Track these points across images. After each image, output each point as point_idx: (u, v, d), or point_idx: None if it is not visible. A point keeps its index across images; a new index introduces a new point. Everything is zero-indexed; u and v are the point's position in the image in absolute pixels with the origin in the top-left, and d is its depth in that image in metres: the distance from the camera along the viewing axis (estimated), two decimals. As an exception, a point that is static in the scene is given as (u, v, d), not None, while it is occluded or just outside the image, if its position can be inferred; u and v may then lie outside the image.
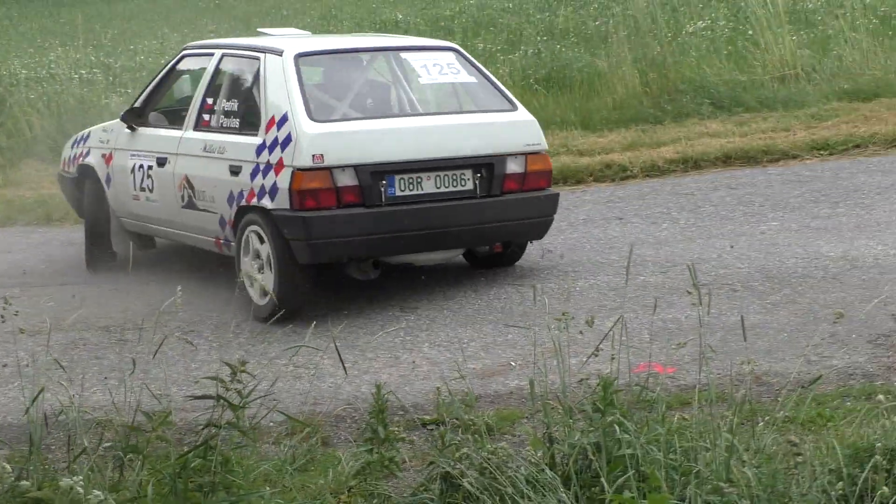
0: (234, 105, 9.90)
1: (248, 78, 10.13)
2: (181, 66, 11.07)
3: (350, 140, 9.21)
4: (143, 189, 10.49)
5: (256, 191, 9.20)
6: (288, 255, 9.07)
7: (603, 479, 4.96)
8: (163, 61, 22.19)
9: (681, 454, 5.14)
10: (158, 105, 11.08)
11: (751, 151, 13.39)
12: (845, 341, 7.60)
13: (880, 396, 5.15)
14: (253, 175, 9.24)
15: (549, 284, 9.60)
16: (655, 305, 6.65)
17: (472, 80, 10.11)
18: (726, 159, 13.39)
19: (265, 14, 30.71)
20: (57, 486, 4.88)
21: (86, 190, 11.32)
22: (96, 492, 4.83)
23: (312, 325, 6.40)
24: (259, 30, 11.49)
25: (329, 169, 9.01)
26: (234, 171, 9.44)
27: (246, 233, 9.37)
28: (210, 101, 10.07)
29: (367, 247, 9.28)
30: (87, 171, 11.33)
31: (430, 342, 8.91)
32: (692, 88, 15.76)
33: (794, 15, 17.42)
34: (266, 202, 9.12)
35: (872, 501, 4.38)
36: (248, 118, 9.69)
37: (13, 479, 4.98)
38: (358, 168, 9.08)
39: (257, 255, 9.33)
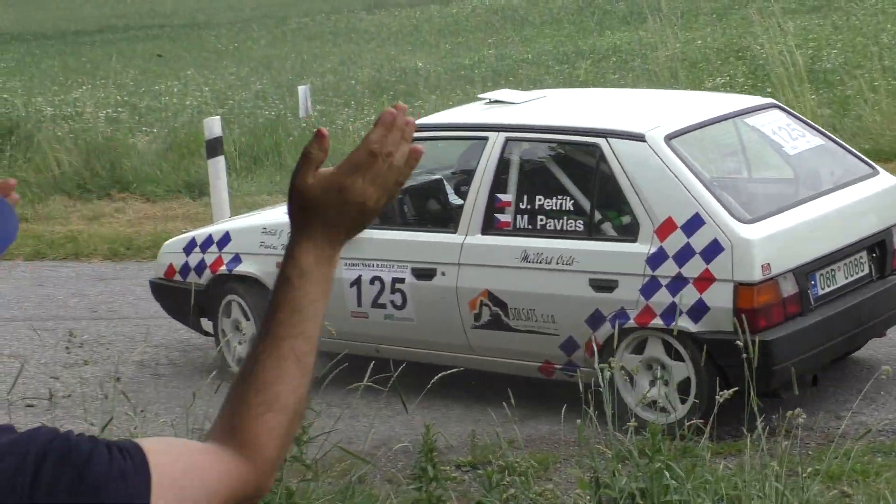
0: (562, 202, 7.99)
1: (582, 168, 8.42)
2: None
3: (790, 240, 7.71)
4: (379, 306, 8.43)
5: (658, 310, 7.58)
6: (711, 382, 7.26)
7: (652, 523, 5.05)
8: (188, 102, 22.59)
9: (728, 499, 5.24)
10: None
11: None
12: (874, 398, 7.68)
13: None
14: (647, 291, 7.63)
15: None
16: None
17: (821, 142, 8.71)
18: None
19: (284, 58, 30.80)
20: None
21: (247, 304, 8.95)
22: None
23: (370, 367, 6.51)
24: (481, 96, 9.42)
25: (775, 279, 7.45)
26: (602, 285, 7.73)
27: (644, 354, 7.78)
28: (505, 197, 8.12)
29: (814, 360, 7.77)
30: (236, 282, 9.05)
31: (463, 379, 9.01)
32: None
33: (813, 74, 17.50)
34: (685, 323, 7.48)
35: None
36: (609, 220, 8.03)
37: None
38: (796, 272, 7.59)
39: (651, 367, 7.73)
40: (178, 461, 2.08)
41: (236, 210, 14.53)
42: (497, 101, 8.89)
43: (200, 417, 5.85)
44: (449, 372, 6.69)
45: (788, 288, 7.44)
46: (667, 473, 5.24)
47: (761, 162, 8.28)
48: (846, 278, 7.86)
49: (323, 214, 2.20)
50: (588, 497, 5.39)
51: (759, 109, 8.57)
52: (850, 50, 20.43)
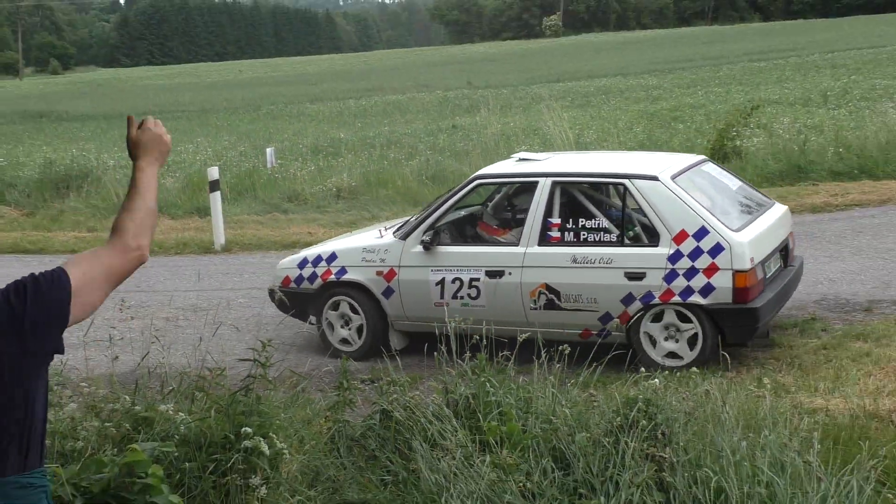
0: (598, 222, 7.51)
1: (612, 199, 8.16)
2: (476, 192, 8.38)
3: (758, 242, 7.28)
4: (458, 297, 7.75)
5: (677, 291, 7.16)
6: (714, 336, 7.16)
7: (479, 414, 5.00)
8: (198, 157, 22.29)
9: (524, 400, 5.20)
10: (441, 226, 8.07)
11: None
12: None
13: (642, 369, 5.26)
14: (669, 278, 7.17)
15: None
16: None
17: (740, 182, 8.40)
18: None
19: (258, 131, 30.47)
20: (156, 410, 4.95)
21: (356, 301, 8.21)
22: (181, 413, 4.90)
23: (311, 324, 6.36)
24: (519, 154, 8.57)
25: (755, 267, 7.11)
26: (633, 276, 7.26)
27: (662, 321, 7.29)
28: (555, 221, 7.59)
29: (771, 319, 7.54)
30: (341, 287, 8.28)
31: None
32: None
33: (579, 144, 17.63)
34: (696, 299, 7.11)
35: (637, 428, 4.45)
36: (635, 232, 7.53)
37: (129, 405, 5.01)
38: (762, 263, 7.30)
39: (667, 329, 7.31)
40: (86, 254, 2.78)
41: (230, 226, 14.52)
42: (524, 159, 8.35)
43: (203, 351, 5.78)
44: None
45: (759, 274, 7.21)
46: (488, 384, 5.25)
47: (721, 193, 7.89)
48: (772, 268, 7.56)
49: (145, 146, 2.94)
50: (440, 399, 5.36)
51: (703, 161, 8.27)
52: (601, 130, 20.72)
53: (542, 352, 5.37)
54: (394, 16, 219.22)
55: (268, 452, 4.60)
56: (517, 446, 4.74)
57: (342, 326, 8.31)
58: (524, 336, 5.88)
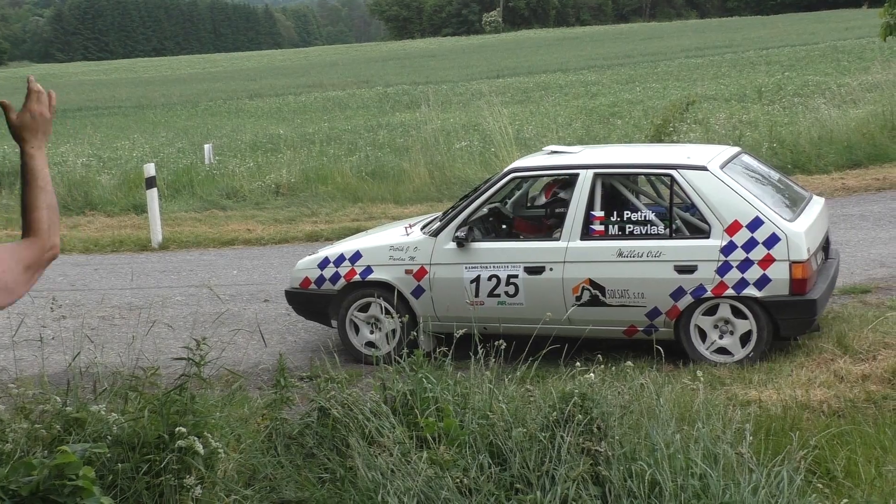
0: (645, 215, 7.22)
1: (658, 190, 7.97)
2: (508, 186, 8.01)
3: (811, 232, 7.03)
4: (494, 295, 7.39)
5: (730, 284, 6.89)
6: (769, 331, 6.96)
7: (416, 410, 4.99)
8: (134, 154, 21.98)
9: (461, 396, 5.17)
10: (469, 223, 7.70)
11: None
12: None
13: (578, 363, 5.26)
14: (722, 271, 6.90)
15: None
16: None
17: (778, 173, 8.15)
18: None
19: (196, 127, 30.12)
20: (88, 411, 4.86)
21: (387, 301, 7.73)
22: (113, 414, 4.82)
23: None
24: (550, 147, 8.20)
25: (810, 258, 6.91)
26: (684, 269, 6.98)
27: (715, 315, 7.04)
28: (598, 214, 7.27)
29: (823, 311, 7.25)
30: (366, 287, 7.87)
31: (305, 329, 8.94)
32: (460, 181, 15.82)
33: (518, 140, 17.68)
34: (751, 291, 6.86)
35: (573, 422, 4.46)
36: (684, 224, 7.27)
37: (60, 406, 4.91)
38: (816, 253, 7.13)
39: (718, 325, 7.08)
40: (6, 245, 2.75)
41: (167, 223, 14.35)
42: (555, 151, 7.97)
43: (137, 350, 5.68)
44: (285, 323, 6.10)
45: (814, 265, 7.00)
46: (425, 380, 5.23)
47: (765, 183, 7.62)
48: (818, 261, 7.28)
49: (28, 129, 2.82)
50: (378, 395, 5.34)
51: (741, 153, 7.94)
52: (541, 126, 20.82)
53: (479, 347, 5.37)
54: (334, 11, 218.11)
55: (202, 452, 4.54)
56: (454, 442, 4.72)
57: (371, 331, 7.89)
58: (464, 332, 5.81)
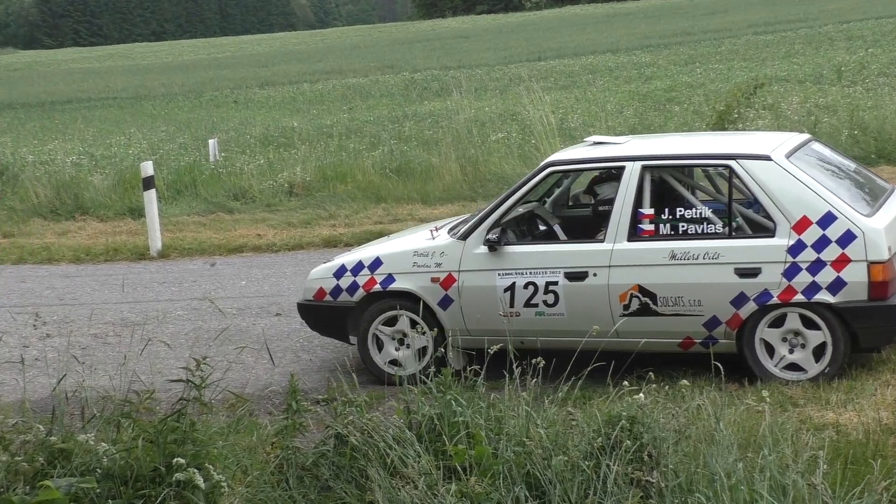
0: (700, 212, 7.13)
1: (715, 184, 7.90)
2: (547, 182, 7.97)
3: (894, 228, 6.89)
4: (532, 305, 7.33)
5: (800, 288, 6.77)
6: (846, 342, 6.82)
7: (445, 437, 4.99)
8: (130, 151, 22.22)
9: (495, 420, 5.19)
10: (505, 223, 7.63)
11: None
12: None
13: (625, 382, 5.25)
14: (789, 274, 6.79)
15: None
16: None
17: (854, 163, 8.10)
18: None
19: (200, 120, 30.36)
20: (75, 440, 4.90)
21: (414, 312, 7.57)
22: (103, 444, 4.86)
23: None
24: (593, 138, 8.16)
25: (892, 258, 6.74)
26: (746, 272, 6.86)
27: (783, 326, 6.92)
28: (647, 212, 7.17)
29: None
30: (388, 298, 7.83)
31: (322, 347, 8.99)
32: (496, 178, 15.80)
33: (562, 130, 17.69)
34: (824, 297, 6.73)
35: (620, 449, 4.48)
36: (745, 222, 7.15)
37: (44, 435, 4.94)
38: None
39: (787, 338, 6.97)
40: None
41: (168, 229, 14.47)
42: (599, 143, 7.92)
43: (131, 371, 5.73)
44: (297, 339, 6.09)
45: (894, 266, 6.75)
46: (454, 403, 5.23)
47: (839, 174, 7.49)
48: None
49: None
50: (402, 420, 5.35)
51: (811, 140, 7.82)
52: (587, 114, 20.79)
53: (514, 365, 5.37)
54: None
55: (203, 486, 4.58)
56: (487, 472, 4.76)
57: (396, 348, 7.87)
58: (496, 346, 5.75)
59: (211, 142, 19.84)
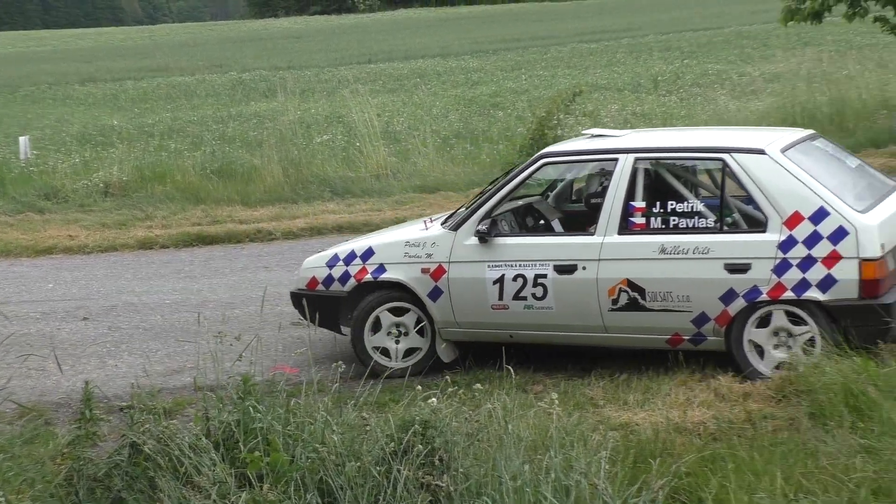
0: (692, 205, 7.00)
1: (708, 177, 7.75)
2: (538, 175, 7.82)
3: (887, 226, 6.76)
4: (520, 298, 7.21)
5: (789, 285, 6.64)
6: (834, 340, 6.56)
7: (241, 444, 4.95)
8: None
9: (294, 427, 5.14)
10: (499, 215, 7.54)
11: (355, 224, 13.40)
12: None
13: (419, 387, 5.26)
14: (779, 270, 6.67)
15: (213, 312, 9.47)
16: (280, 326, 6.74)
17: (858, 161, 7.97)
18: (340, 228, 13.34)
19: (13, 116, 29.31)
20: None
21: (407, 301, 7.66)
22: None
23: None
24: (592, 131, 8.14)
25: (885, 256, 6.61)
26: (736, 268, 6.75)
27: (770, 325, 6.79)
28: (639, 205, 7.07)
29: None
30: (378, 288, 7.71)
31: (128, 351, 8.78)
32: (318, 180, 15.80)
33: (386, 134, 17.79)
34: (813, 294, 6.60)
35: (412, 454, 4.50)
36: (736, 216, 7.06)
37: None
38: (893, 252, 6.76)
39: (777, 335, 6.82)
40: None
41: None
42: (598, 135, 7.85)
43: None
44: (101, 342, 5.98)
45: (891, 264, 6.67)
46: (251, 409, 5.17)
47: (838, 171, 7.40)
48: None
49: None
50: (200, 427, 5.26)
51: (813, 136, 7.72)
52: (413, 118, 20.93)
53: (314, 369, 5.36)
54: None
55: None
56: (281, 479, 4.72)
57: (396, 340, 7.73)
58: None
59: (22, 139, 19.16)
